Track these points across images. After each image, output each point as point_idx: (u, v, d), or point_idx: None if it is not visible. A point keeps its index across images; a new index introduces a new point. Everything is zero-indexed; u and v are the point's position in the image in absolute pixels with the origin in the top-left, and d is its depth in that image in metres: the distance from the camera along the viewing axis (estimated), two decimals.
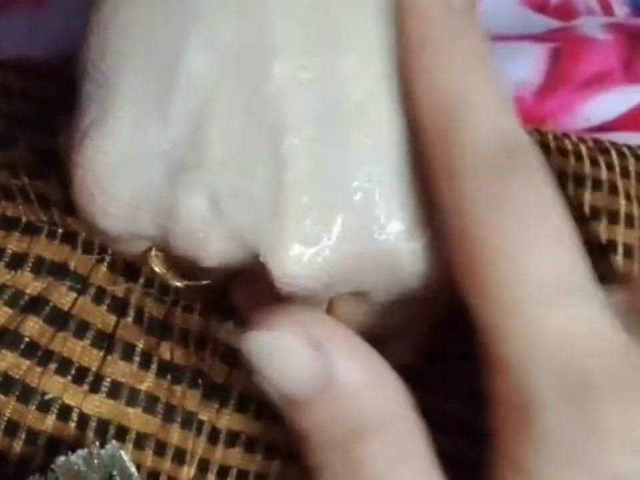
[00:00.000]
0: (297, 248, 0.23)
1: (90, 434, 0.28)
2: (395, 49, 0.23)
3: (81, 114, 0.24)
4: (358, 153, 0.23)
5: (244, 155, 0.23)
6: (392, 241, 0.23)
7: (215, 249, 0.24)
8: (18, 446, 0.28)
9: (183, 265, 0.27)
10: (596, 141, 0.37)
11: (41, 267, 0.29)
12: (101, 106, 0.23)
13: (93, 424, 0.28)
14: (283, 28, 0.22)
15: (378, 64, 0.23)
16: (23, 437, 0.28)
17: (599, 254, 0.35)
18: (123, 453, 0.26)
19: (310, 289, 0.24)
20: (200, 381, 0.29)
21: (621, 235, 0.35)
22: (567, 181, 0.36)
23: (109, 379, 0.29)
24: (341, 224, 0.23)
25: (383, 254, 0.24)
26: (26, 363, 0.28)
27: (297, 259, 0.23)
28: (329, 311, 0.27)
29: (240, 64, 0.22)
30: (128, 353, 0.29)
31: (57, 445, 0.28)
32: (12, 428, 0.28)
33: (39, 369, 0.28)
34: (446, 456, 0.22)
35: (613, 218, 0.35)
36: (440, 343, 0.32)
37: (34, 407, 0.28)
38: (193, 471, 0.29)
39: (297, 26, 0.22)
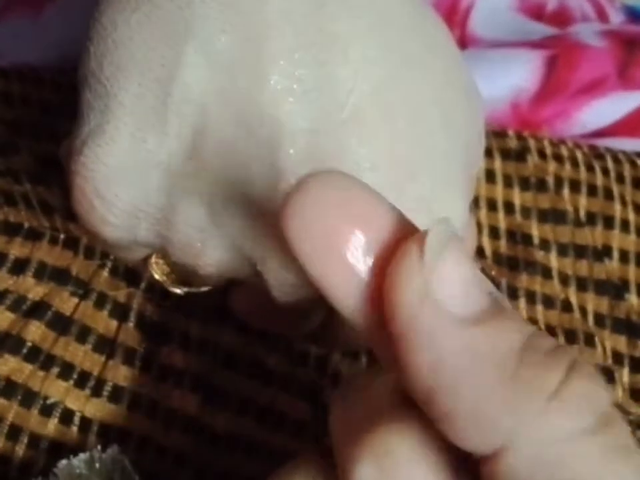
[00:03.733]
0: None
1: (92, 438, 0.28)
2: (389, 59, 0.24)
3: (81, 123, 0.24)
4: (354, 162, 0.23)
5: (240, 165, 0.23)
6: None
7: (212, 257, 0.24)
8: (20, 450, 0.28)
9: (183, 272, 0.27)
10: (591, 147, 0.38)
11: (43, 272, 0.30)
12: (100, 116, 0.24)
13: (95, 428, 0.29)
14: (278, 39, 0.23)
15: (373, 74, 0.23)
16: (26, 440, 0.28)
17: (594, 259, 0.35)
18: (124, 456, 0.26)
19: (307, 298, 0.24)
20: (200, 385, 0.29)
21: (617, 239, 0.35)
22: (563, 186, 0.36)
23: (110, 383, 0.29)
24: None
25: None
26: (28, 368, 0.29)
27: (294, 269, 0.23)
28: (327, 316, 0.28)
29: (235, 75, 0.23)
30: (129, 357, 0.29)
31: (58, 449, 0.28)
32: (14, 432, 0.28)
33: (41, 374, 0.29)
34: None
35: (609, 223, 0.35)
36: None
37: (36, 411, 0.28)
38: (192, 474, 0.29)
39: (292, 37, 0.23)
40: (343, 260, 0.18)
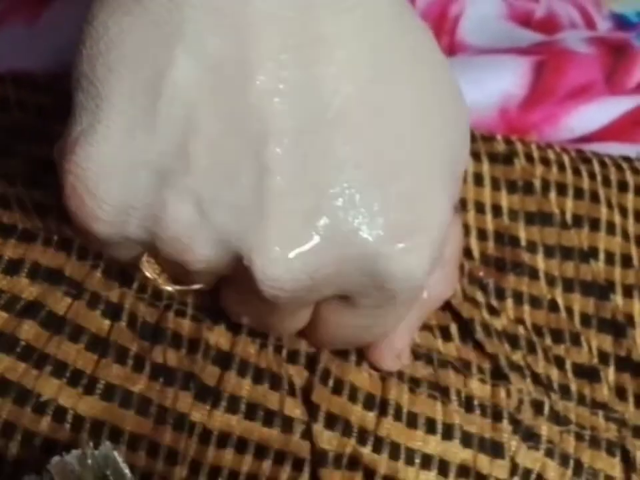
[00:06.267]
0: (280, 251, 0.24)
1: (84, 435, 0.29)
2: (374, 60, 0.24)
3: (73, 123, 0.25)
4: (339, 160, 0.24)
5: (228, 162, 0.24)
6: (372, 244, 0.24)
7: (201, 253, 0.24)
8: (14, 447, 0.29)
9: (174, 271, 0.28)
10: (578, 151, 0.38)
11: (36, 273, 0.30)
12: (92, 116, 0.24)
13: (87, 425, 0.29)
14: (264, 41, 0.23)
15: (358, 75, 0.24)
16: (19, 438, 0.29)
17: (580, 260, 0.35)
18: (116, 453, 0.27)
19: (293, 291, 0.24)
20: (192, 383, 0.30)
21: (602, 241, 0.36)
22: (550, 189, 0.36)
23: (102, 382, 0.29)
24: (322, 228, 0.24)
25: (363, 257, 0.24)
26: (22, 366, 0.29)
27: (280, 262, 0.24)
28: (316, 314, 0.28)
29: (223, 76, 0.23)
30: (121, 356, 0.30)
31: (52, 446, 0.29)
32: (8, 429, 0.29)
33: (34, 372, 0.29)
34: None
35: (595, 225, 0.36)
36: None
37: (30, 409, 0.29)
38: (185, 471, 0.29)
39: (278, 38, 0.23)
40: None
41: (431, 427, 0.31)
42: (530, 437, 0.31)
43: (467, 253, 0.35)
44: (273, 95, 0.23)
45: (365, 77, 0.24)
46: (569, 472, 0.31)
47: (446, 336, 0.33)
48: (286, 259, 0.24)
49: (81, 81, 0.25)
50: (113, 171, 0.24)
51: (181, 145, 0.24)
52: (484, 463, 0.31)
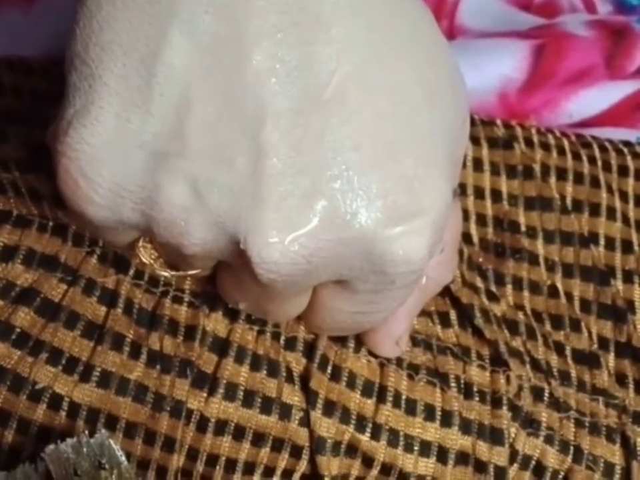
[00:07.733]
0: (276, 235, 0.23)
1: (80, 423, 0.29)
2: (372, 39, 0.24)
3: (66, 104, 0.24)
4: (336, 142, 0.23)
5: (224, 144, 0.23)
6: (370, 227, 0.24)
7: (196, 236, 0.24)
8: (9, 435, 0.28)
9: (171, 256, 0.28)
10: (578, 136, 0.38)
11: (31, 259, 0.30)
12: (85, 97, 0.24)
13: (83, 413, 0.29)
14: (260, 20, 0.23)
15: (356, 54, 0.24)
16: (14, 426, 0.28)
17: (580, 246, 0.35)
18: (112, 441, 0.26)
19: (290, 275, 0.24)
20: (189, 370, 0.29)
21: (603, 226, 0.35)
22: (550, 174, 0.36)
23: (98, 369, 0.29)
24: (320, 211, 0.24)
25: (361, 240, 0.24)
26: (17, 353, 0.29)
27: (276, 246, 0.23)
28: (313, 300, 0.28)
29: (218, 56, 0.23)
30: (118, 343, 0.29)
31: (47, 434, 0.28)
32: (3, 417, 0.28)
33: (29, 359, 0.29)
34: None
35: (595, 210, 0.36)
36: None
37: (25, 397, 0.29)
38: (182, 459, 0.29)
39: (274, 16, 0.23)
40: None
41: (429, 413, 0.31)
42: (530, 423, 0.31)
43: (467, 238, 0.35)
44: (269, 75, 0.23)
45: (363, 56, 0.24)
46: (569, 458, 0.31)
47: (445, 322, 0.33)
48: (283, 242, 0.23)
49: (74, 61, 0.24)
50: (107, 152, 0.24)
51: (176, 126, 0.23)
52: (483, 449, 0.31)
